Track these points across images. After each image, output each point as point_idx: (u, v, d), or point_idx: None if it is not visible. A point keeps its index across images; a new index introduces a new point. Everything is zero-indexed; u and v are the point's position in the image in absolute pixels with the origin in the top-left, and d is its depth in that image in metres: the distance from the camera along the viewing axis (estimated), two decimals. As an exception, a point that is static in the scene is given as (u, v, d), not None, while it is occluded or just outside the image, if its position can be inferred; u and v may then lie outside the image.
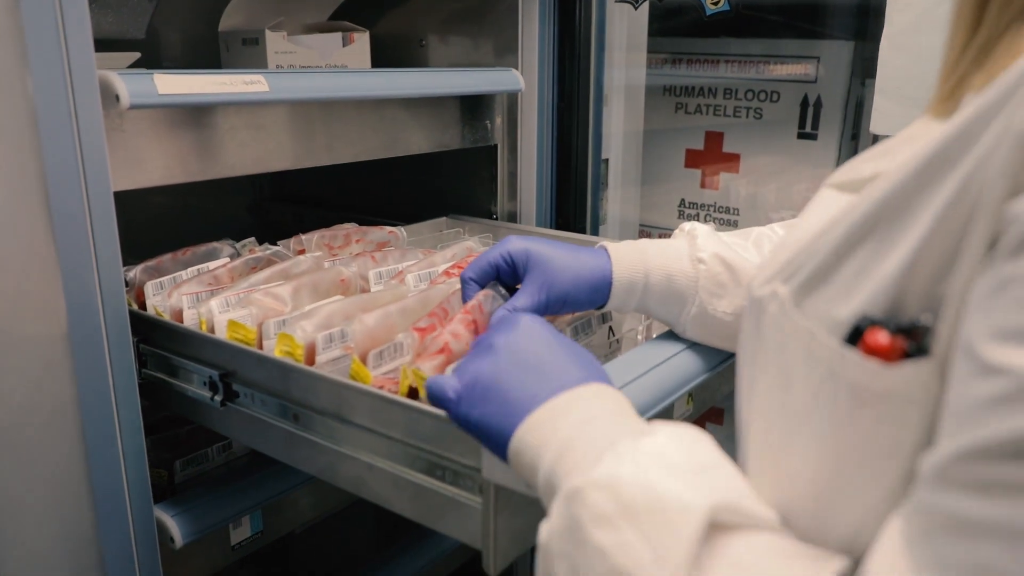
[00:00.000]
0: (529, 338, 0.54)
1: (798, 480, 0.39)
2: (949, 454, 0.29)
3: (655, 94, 1.63)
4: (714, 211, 1.63)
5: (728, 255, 0.73)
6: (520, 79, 1.24)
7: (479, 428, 0.52)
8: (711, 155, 1.61)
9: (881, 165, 0.41)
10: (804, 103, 1.50)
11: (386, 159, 1.15)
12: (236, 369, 0.79)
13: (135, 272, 0.91)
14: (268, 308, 0.82)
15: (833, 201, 0.43)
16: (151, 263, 0.93)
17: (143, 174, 0.85)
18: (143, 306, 0.90)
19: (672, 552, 0.36)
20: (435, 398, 0.56)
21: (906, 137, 0.43)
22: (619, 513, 0.38)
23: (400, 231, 1.16)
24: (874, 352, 0.34)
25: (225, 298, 0.84)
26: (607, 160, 1.41)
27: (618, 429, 0.46)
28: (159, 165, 0.87)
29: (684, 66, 1.62)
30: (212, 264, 0.96)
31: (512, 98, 1.29)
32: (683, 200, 1.65)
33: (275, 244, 1.05)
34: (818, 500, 0.38)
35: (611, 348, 0.84)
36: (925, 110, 0.42)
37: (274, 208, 1.58)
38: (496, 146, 1.30)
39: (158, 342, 0.87)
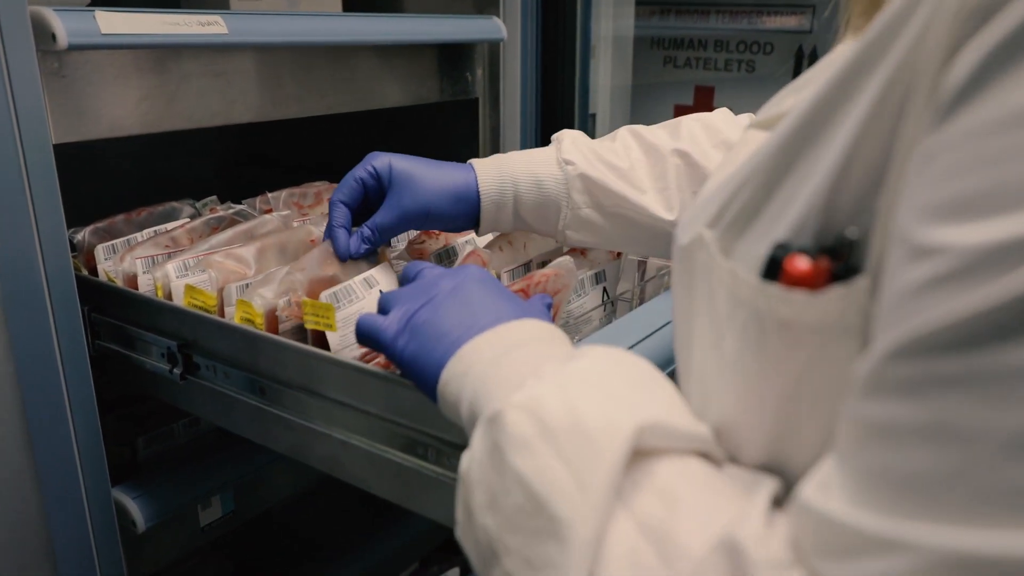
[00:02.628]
0: (470, 281, 0.53)
1: (742, 437, 0.36)
2: (879, 355, 0.26)
3: (642, 47, 1.56)
4: (705, 170, 1.56)
5: (596, 151, 0.74)
6: (502, 27, 1.17)
7: (412, 364, 0.50)
8: (701, 111, 1.53)
9: (802, 95, 0.38)
10: (799, 55, 1.44)
11: (361, 116, 1.09)
12: (196, 339, 0.73)
13: (84, 234, 0.84)
14: (229, 271, 0.75)
15: (753, 141, 0.40)
16: (101, 224, 0.86)
17: (88, 125, 0.77)
18: (94, 271, 0.84)
19: (594, 477, 0.33)
20: (367, 334, 0.54)
21: (826, 64, 0.41)
22: (539, 436, 0.36)
23: (376, 190, 1.08)
24: (797, 281, 0.31)
25: (183, 261, 0.77)
26: (594, 115, 1.34)
27: (545, 354, 0.44)
28: (107, 115, 0.79)
29: (673, 17, 1.55)
30: (170, 225, 0.89)
31: (494, 48, 1.22)
32: (672, 159, 1.58)
33: (239, 203, 0.97)
34: (767, 454, 0.35)
35: (606, 311, 0.77)
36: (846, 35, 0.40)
37: (243, 171, 1.50)
38: (477, 100, 1.25)
39: (111, 311, 0.80)
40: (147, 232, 0.87)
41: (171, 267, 0.77)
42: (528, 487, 0.35)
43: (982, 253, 0.23)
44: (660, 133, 0.78)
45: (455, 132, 1.29)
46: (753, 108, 1.50)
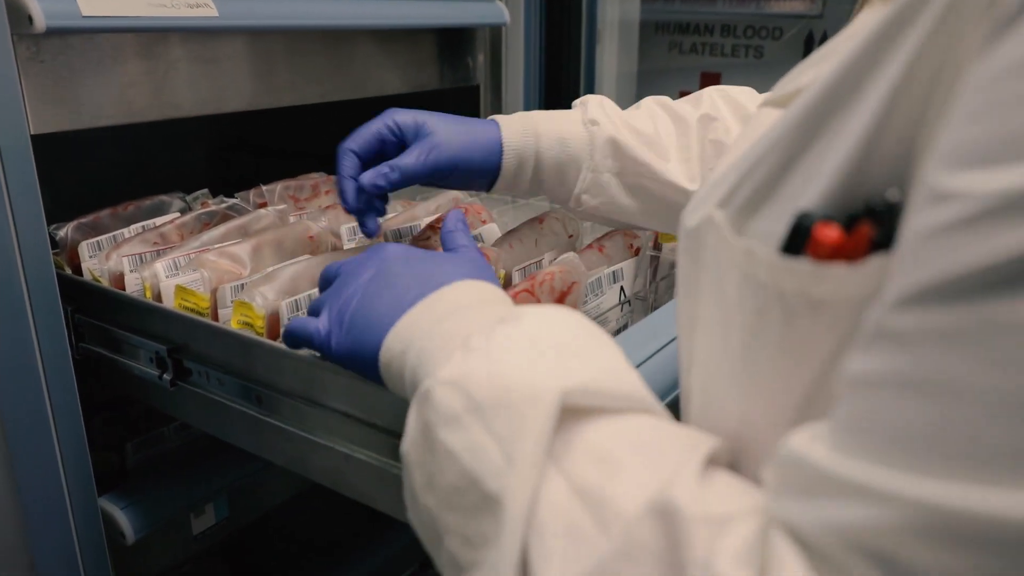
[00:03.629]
0: (390, 261, 0.51)
1: (750, 438, 0.33)
2: (882, 307, 0.25)
3: (646, 32, 1.52)
4: (710, 159, 1.53)
5: (623, 116, 0.72)
6: (505, 11, 1.14)
7: (353, 356, 0.49)
8: (707, 98, 1.50)
9: (823, 68, 0.36)
10: (808, 40, 1.40)
11: (358, 104, 1.04)
12: (187, 343, 0.68)
13: (66, 230, 0.80)
14: (223, 271, 0.70)
15: (766, 119, 0.38)
16: (86, 220, 0.81)
17: (69, 114, 0.73)
18: (78, 270, 0.79)
19: (520, 448, 0.32)
20: (300, 339, 0.53)
21: (848, 35, 0.39)
22: (467, 411, 0.35)
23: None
24: (830, 253, 0.28)
25: (173, 259, 0.73)
26: (600, 103, 1.29)
27: (478, 320, 0.42)
28: (89, 104, 0.75)
29: (679, 0, 1.50)
30: (159, 220, 0.85)
31: (496, 33, 1.19)
32: (677, 147, 1.54)
33: (232, 196, 0.93)
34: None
35: (623, 311, 0.73)
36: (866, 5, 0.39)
37: (235, 162, 1.44)
38: (478, 86, 1.21)
39: (96, 312, 0.75)
40: (134, 228, 0.82)
41: (160, 266, 0.72)
42: (459, 464, 0.34)
43: (999, 200, 0.21)
44: (684, 105, 0.76)
45: None
46: (761, 94, 1.44)
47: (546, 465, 0.32)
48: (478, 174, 0.71)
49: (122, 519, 0.80)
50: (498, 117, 0.73)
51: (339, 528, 1.22)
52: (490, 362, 0.36)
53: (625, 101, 0.78)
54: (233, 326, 0.65)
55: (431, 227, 0.78)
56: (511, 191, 0.74)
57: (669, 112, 0.75)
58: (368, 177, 0.67)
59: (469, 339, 0.38)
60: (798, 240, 0.29)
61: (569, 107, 0.76)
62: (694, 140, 0.73)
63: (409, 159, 0.67)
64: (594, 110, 0.73)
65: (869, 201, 0.28)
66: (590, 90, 1.22)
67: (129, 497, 0.83)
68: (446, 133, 0.69)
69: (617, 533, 0.29)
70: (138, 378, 0.73)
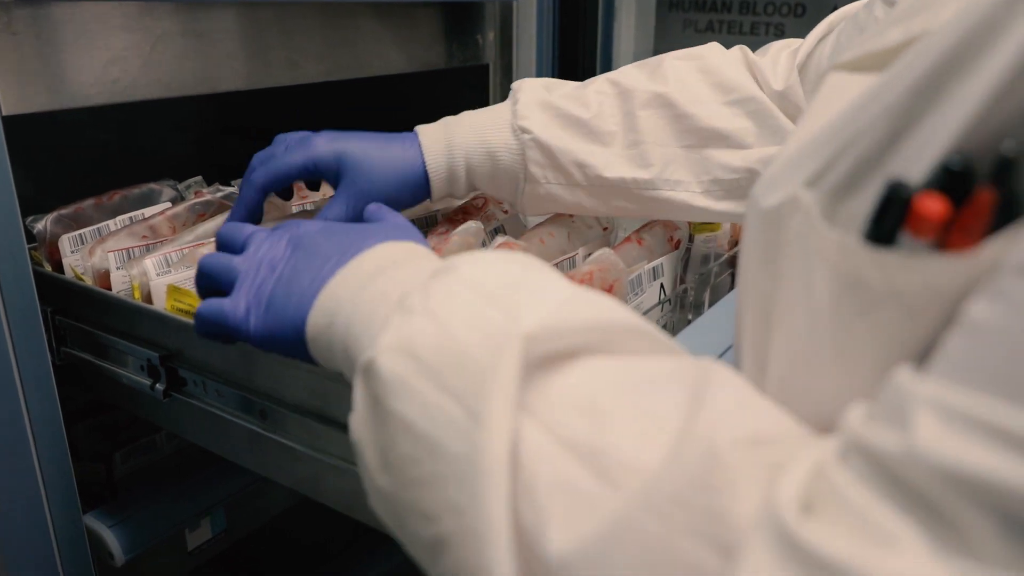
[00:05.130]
0: (311, 231, 0.48)
1: None
2: (1005, 270, 0.22)
3: (659, 10, 1.46)
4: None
5: (557, 105, 0.66)
6: None
7: (275, 336, 0.45)
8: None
9: (914, 26, 0.33)
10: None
11: (359, 84, 0.99)
12: (182, 349, 0.62)
13: (45, 223, 0.74)
14: (221, 269, 0.63)
15: (851, 85, 0.35)
16: (67, 211, 0.75)
17: (45, 94, 0.66)
18: (58, 267, 0.73)
19: (486, 402, 0.30)
20: (213, 320, 0.47)
21: None
22: (416, 374, 0.32)
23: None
24: (934, 230, 0.24)
25: (164, 255, 0.67)
26: (616, 83, 1.23)
27: (408, 278, 0.39)
28: (68, 82, 0.68)
29: (694, -24, 1.43)
30: (148, 211, 0.78)
31: (506, 9, 1.13)
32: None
33: (228, 184, 0.87)
34: None
35: (663, 310, 0.67)
36: None
37: (230, 144, 1.37)
38: (487, 66, 1.15)
39: (78, 313, 0.69)
40: (121, 220, 0.75)
41: (150, 262, 0.66)
42: (414, 431, 0.32)
43: None
44: (638, 75, 0.68)
45: (463, 102, 1.18)
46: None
47: (520, 419, 0.30)
48: (409, 201, 0.67)
49: (110, 538, 0.75)
50: (420, 130, 0.68)
51: (341, 536, 1.16)
52: (433, 320, 0.34)
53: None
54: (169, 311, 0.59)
55: (449, 220, 0.71)
56: (453, 200, 0.71)
57: (618, 89, 0.68)
58: None
59: (405, 299, 0.36)
60: (891, 217, 0.25)
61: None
62: (643, 119, 0.66)
63: (338, 210, 0.63)
64: (524, 111, 0.66)
65: (961, 162, 0.24)
66: (606, 71, 1.15)
67: (118, 513, 0.78)
68: (372, 170, 0.64)
69: (631, 484, 0.27)
70: (127, 387, 0.66)
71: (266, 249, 0.48)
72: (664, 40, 1.44)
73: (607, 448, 0.28)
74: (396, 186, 0.65)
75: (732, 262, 0.81)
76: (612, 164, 0.65)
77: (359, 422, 0.36)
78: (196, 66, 0.79)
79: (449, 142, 0.66)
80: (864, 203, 0.28)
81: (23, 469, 0.65)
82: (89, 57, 0.69)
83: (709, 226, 0.80)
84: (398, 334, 0.34)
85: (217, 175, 0.94)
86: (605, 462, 0.28)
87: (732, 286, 0.82)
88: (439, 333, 0.33)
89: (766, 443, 0.26)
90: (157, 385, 0.63)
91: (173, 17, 0.75)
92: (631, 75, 0.68)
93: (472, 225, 0.65)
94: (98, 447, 0.85)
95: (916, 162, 0.26)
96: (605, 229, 0.72)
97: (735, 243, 0.81)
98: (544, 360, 0.31)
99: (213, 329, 0.47)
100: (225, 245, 0.52)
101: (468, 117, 0.68)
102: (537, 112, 0.66)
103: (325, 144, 0.64)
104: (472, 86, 1.16)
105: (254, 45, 0.84)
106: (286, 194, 0.72)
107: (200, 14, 0.77)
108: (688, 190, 0.65)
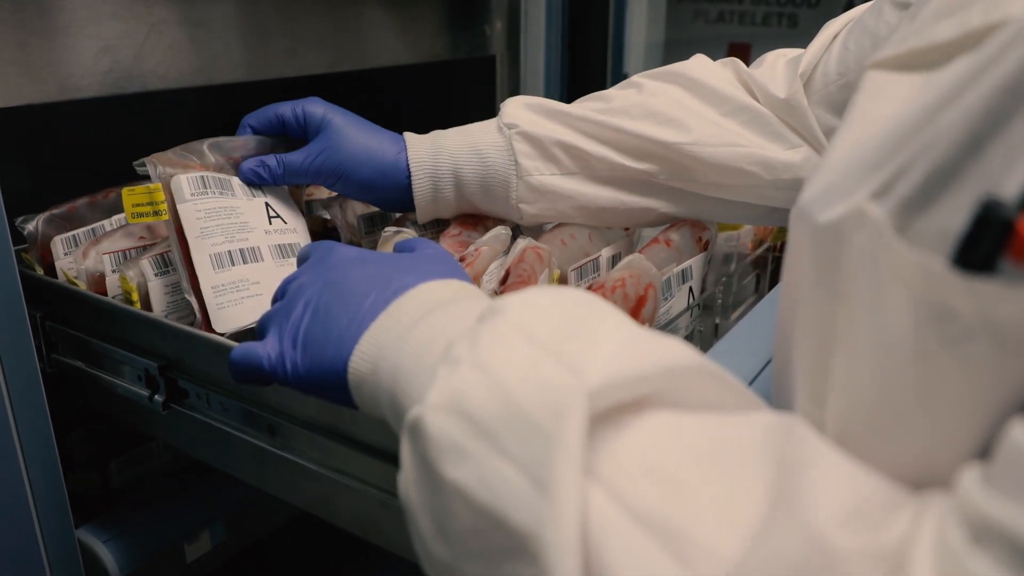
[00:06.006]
0: (341, 266, 0.45)
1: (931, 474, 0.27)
2: None
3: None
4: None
5: (545, 106, 0.66)
6: None
7: (313, 379, 0.43)
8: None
9: (971, 18, 0.30)
10: (848, 7, 1.30)
11: (363, 75, 0.98)
12: (182, 358, 0.59)
13: (36, 223, 0.70)
14: (223, 272, 0.60)
15: (897, 84, 0.33)
16: (58, 210, 0.72)
17: (33, 85, 0.65)
18: (50, 269, 0.70)
19: (552, 469, 0.28)
20: (248, 365, 0.44)
21: None
22: (471, 436, 0.30)
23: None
24: None
25: (163, 255, 0.64)
26: (628, 76, 1.21)
27: (453, 323, 0.37)
28: (57, 73, 0.66)
29: (704, -36, 1.41)
30: (143, 210, 0.73)
31: None
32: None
33: (227, 182, 0.82)
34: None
35: (692, 316, 0.64)
36: None
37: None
38: (494, 57, 1.15)
39: (70, 318, 0.66)
40: (116, 219, 0.73)
41: (147, 264, 0.63)
42: (473, 502, 0.30)
43: None
44: (625, 92, 0.68)
45: (470, 95, 1.19)
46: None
47: (588, 487, 0.28)
48: (380, 191, 0.67)
49: (105, 554, 0.72)
50: (408, 135, 0.69)
51: (345, 547, 1.13)
52: (484, 372, 0.31)
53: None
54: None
55: (464, 223, 0.68)
56: (437, 214, 0.69)
57: (606, 103, 0.67)
58: (248, 164, 0.67)
59: (451, 349, 0.34)
60: (987, 240, 0.23)
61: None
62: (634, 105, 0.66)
63: (297, 156, 0.66)
64: (511, 113, 0.67)
65: None
66: (617, 62, 1.12)
67: (113, 527, 0.75)
68: (346, 137, 0.66)
69: (712, 573, 0.25)
70: (123, 398, 0.63)
71: (297, 285, 0.46)
72: (675, 30, 1.42)
73: (685, 527, 0.26)
74: (371, 167, 0.66)
75: (757, 263, 0.78)
76: (604, 147, 0.64)
77: (408, 484, 0.34)
78: (193, 56, 0.77)
79: (435, 144, 0.67)
80: (942, 219, 0.25)
81: (11, 482, 0.63)
82: (78, 47, 0.67)
83: (732, 225, 0.77)
84: (446, 389, 0.32)
85: (215, 171, 0.91)
86: (683, 544, 0.26)
87: (757, 288, 0.79)
88: (491, 388, 0.31)
89: (869, 519, 0.24)
90: (156, 396, 0.59)
91: (169, 4, 0.73)
92: (618, 93, 0.68)
93: (502, 232, 0.62)
94: (92, 456, 0.83)
95: (1005, 172, 0.24)
96: (626, 229, 0.69)
97: (760, 242, 0.79)
98: (608, 413, 0.29)
99: (248, 373, 0.45)
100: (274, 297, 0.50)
101: (452, 130, 0.69)
102: (523, 111, 0.67)
103: (319, 103, 0.67)
104: (479, 78, 1.16)
105: (254, 34, 0.83)
106: (298, 191, 0.70)
107: (197, 1, 0.76)
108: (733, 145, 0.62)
